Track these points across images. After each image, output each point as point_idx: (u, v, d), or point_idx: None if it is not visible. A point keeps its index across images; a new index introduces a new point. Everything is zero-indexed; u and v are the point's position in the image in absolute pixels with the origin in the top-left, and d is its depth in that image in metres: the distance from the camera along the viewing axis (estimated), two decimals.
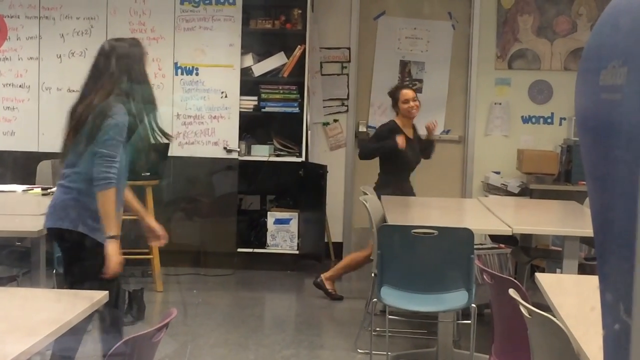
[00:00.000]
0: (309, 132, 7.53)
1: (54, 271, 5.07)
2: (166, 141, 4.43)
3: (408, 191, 6.53)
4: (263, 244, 7.50)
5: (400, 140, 6.27)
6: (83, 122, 3.98)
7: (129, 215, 6.58)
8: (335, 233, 7.99)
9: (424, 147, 6.65)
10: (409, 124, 6.55)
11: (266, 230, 7.49)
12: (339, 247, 8.03)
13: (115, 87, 4.06)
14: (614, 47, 1.00)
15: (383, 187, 6.38)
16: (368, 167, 8.04)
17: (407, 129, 6.50)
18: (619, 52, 0.97)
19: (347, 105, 7.99)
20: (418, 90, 8.02)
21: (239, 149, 7.44)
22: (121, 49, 4.23)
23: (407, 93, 6.51)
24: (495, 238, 6.32)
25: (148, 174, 6.57)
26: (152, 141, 4.27)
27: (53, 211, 3.99)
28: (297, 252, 7.11)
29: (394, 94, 6.58)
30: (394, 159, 6.39)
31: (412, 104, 6.44)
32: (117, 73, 4.10)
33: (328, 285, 6.51)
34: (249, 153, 7.54)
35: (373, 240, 5.41)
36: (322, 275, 6.54)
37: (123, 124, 3.97)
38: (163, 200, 6.96)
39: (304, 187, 7.54)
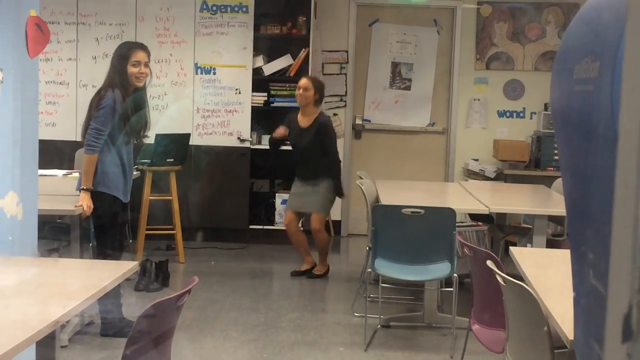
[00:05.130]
0: None
1: (90, 244, 5.08)
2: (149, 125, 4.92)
3: (302, 175, 6.27)
4: (272, 222, 7.52)
5: (279, 131, 6.29)
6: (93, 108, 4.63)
7: (156, 196, 6.62)
8: (335, 212, 7.98)
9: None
10: (307, 113, 6.20)
11: (274, 209, 7.50)
12: (337, 224, 8.04)
13: (111, 82, 4.63)
14: (587, 45, 1.00)
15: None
16: (363, 154, 8.05)
17: (304, 118, 6.22)
18: (592, 49, 0.97)
19: (345, 101, 7.98)
20: (407, 88, 8.03)
21: (250, 139, 7.45)
22: (121, 51, 4.78)
23: (301, 81, 6.20)
24: (474, 217, 6.32)
25: (172, 160, 6.58)
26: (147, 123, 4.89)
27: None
28: (301, 228, 7.10)
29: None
30: (292, 146, 6.34)
31: (301, 92, 6.14)
32: (115, 71, 4.67)
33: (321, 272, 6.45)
34: (259, 142, 7.54)
35: (367, 219, 5.41)
36: (317, 271, 6.38)
37: (110, 107, 4.52)
38: (185, 184, 6.97)
39: None
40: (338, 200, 7.89)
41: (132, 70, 4.64)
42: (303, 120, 6.25)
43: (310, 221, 6.37)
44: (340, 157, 7.62)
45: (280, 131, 6.34)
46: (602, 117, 0.86)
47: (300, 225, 6.57)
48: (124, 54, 4.71)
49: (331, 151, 6.24)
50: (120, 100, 4.56)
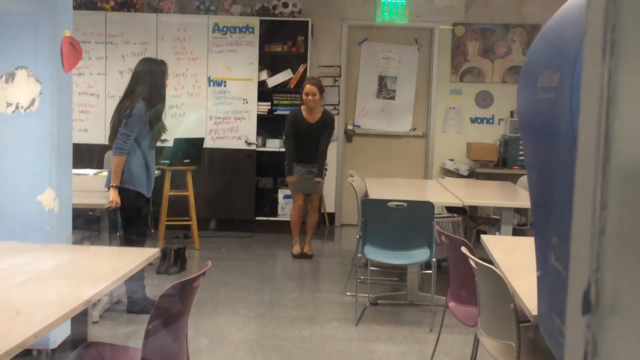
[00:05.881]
0: None
1: (117, 233, 5.07)
2: (166, 130, 4.90)
3: (307, 158, 6.38)
4: (275, 214, 7.51)
5: (290, 179, 6.42)
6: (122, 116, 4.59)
7: (174, 192, 6.61)
8: (329, 205, 7.99)
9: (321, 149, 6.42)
10: (313, 111, 6.32)
11: (277, 203, 7.49)
12: (332, 216, 8.04)
13: (140, 94, 4.59)
14: (549, 59, 0.99)
15: (291, 155, 6.43)
16: (354, 156, 8.05)
17: (310, 115, 6.32)
18: (553, 63, 0.97)
19: (338, 109, 7.97)
20: (391, 98, 8.03)
21: (256, 142, 7.44)
22: (148, 68, 4.71)
23: (308, 88, 6.26)
24: (450, 209, 6.32)
25: (188, 161, 6.57)
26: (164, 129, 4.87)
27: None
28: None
29: (302, 85, 6.44)
30: (297, 139, 6.36)
31: (310, 97, 6.23)
32: (142, 84, 4.62)
33: (308, 251, 6.52)
34: (264, 145, 7.53)
35: (358, 211, 5.41)
36: (307, 251, 6.51)
37: (138, 116, 4.50)
38: (199, 181, 6.96)
39: None
40: (333, 195, 7.93)
41: (166, 83, 4.75)
42: (310, 117, 6.35)
43: (311, 200, 6.55)
44: (334, 158, 7.68)
45: (292, 180, 6.46)
46: (563, 120, 0.85)
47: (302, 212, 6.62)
48: (164, 70, 4.73)
49: (326, 142, 6.45)
50: (146, 111, 4.56)
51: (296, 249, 6.53)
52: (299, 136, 6.38)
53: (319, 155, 6.41)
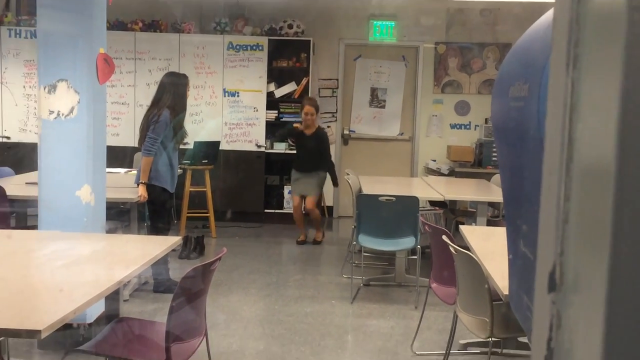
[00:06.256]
0: None
1: (145, 224, 5.07)
2: (187, 135, 4.86)
3: (304, 168, 6.38)
4: (281, 207, 7.50)
5: (296, 125, 6.23)
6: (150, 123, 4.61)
7: (194, 188, 6.61)
8: (328, 199, 7.98)
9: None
10: (309, 127, 6.31)
11: (283, 198, 7.48)
12: (330, 208, 8.03)
13: (165, 103, 4.61)
14: (519, 72, 0.99)
15: (294, 164, 6.47)
16: (350, 157, 8.05)
17: (307, 130, 6.31)
18: (522, 75, 0.96)
19: (336, 117, 7.96)
20: (382, 107, 8.02)
21: (265, 145, 7.43)
22: (172, 80, 4.72)
23: (307, 108, 6.25)
24: (432, 203, 6.32)
25: (206, 161, 6.57)
26: (185, 134, 4.87)
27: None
28: (303, 212, 7.10)
29: (302, 104, 6.43)
30: (297, 147, 6.38)
31: (308, 116, 6.23)
32: (167, 95, 4.63)
33: (319, 238, 6.54)
34: (272, 148, 7.52)
35: (353, 205, 5.40)
36: (316, 238, 6.53)
37: (164, 122, 4.51)
38: (216, 178, 6.96)
39: None
40: (331, 189, 7.92)
41: (188, 94, 4.76)
42: (307, 131, 6.38)
43: (306, 202, 6.51)
44: (333, 158, 7.66)
45: (299, 126, 6.37)
46: (531, 124, 0.86)
47: (302, 209, 6.61)
48: (186, 82, 4.74)
49: (328, 154, 6.50)
50: (170, 118, 4.57)
51: (301, 238, 6.56)
52: (298, 146, 6.45)
53: (328, 165, 6.43)
